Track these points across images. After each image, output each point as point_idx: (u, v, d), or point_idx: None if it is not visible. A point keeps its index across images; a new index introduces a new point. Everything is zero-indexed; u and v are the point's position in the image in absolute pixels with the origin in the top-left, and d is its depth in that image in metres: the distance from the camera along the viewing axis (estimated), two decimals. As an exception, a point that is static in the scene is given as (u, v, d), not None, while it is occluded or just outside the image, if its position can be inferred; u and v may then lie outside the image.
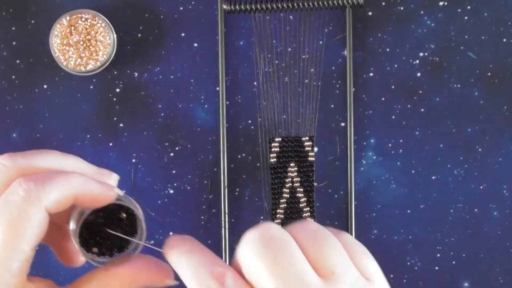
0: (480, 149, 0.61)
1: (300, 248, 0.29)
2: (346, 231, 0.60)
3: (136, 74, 0.61)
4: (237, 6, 0.58)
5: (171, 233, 0.61)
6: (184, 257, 0.31)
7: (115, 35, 0.59)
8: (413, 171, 0.61)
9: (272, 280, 0.28)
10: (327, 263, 0.29)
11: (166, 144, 0.61)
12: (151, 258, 0.36)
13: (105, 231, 0.35)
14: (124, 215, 0.35)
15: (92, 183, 0.33)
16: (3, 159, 0.33)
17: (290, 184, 0.59)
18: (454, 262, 0.61)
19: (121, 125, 0.61)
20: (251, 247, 0.29)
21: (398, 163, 0.61)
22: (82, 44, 0.58)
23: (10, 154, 0.33)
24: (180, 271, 0.31)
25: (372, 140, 0.61)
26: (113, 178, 0.36)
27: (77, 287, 0.33)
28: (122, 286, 0.34)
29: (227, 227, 0.60)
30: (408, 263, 0.61)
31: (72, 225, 0.34)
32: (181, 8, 0.61)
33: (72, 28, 0.58)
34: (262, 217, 0.61)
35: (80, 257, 0.37)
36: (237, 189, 0.61)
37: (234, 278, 0.29)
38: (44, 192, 0.31)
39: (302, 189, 0.59)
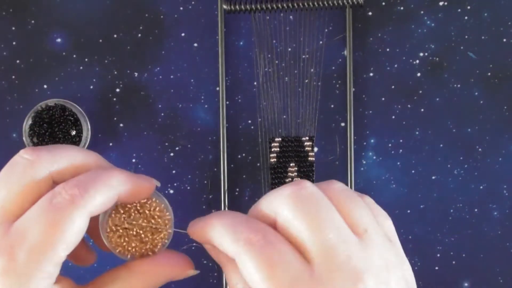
0: (480, 149, 0.61)
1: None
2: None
3: (136, 74, 0.61)
4: (237, 6, 0.58)
5: (171, 233, 0.61)
6: (216, 219, 0.31)
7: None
8: (413, 171, 0.61)
9: (314, 236, 0.28)
10: (360, 221, 0.30)
11: (166, 144, 0.61)
12: (170, 252, 0.36)
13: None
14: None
15: (131, 179, 0.33)
16: (26, 153, 0.33)
17: (290, 184, 0.59)
18: (454, 262, 0.61)
19: (121, 125, 0.61)
20: (291, 204, 0.29)
21: (398, 163, 0.61)
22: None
23: (34, 148, 0.33)
24: (213, 234, 0.31)
25: (372, 140, 0.61)
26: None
27: (99, 286, 0.33)
28: (146, 283, 0.34)
29: (227, 227, 0.60)
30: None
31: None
32: (181, 8, 0.61)
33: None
34: (262, 217, 0.61)
35: (90, 257, 0.37)
36: (237, 189, 0.61)
37: (274, 232, 0.29)
38: (89, 197, 0.31)
39: (302, 189, 0.59)
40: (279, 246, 0.29)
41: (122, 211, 0.34)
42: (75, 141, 0.41)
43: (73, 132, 0.39)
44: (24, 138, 0.37)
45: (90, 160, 0.34)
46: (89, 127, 0.38)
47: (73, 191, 0.30)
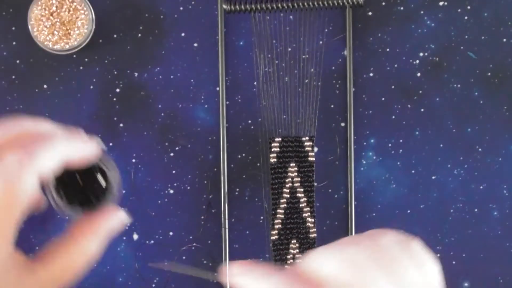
0: (480, 149, 0.61)
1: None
2: (346, 231, 0.60)
3: (136, 74, 0.61)
4: (237, 6, 0.58)
5: (171, 233, 0.61)
6: (269, 278, 0.31)
7: (93, 27, 0.58)
8: (413, 171, 0.61)
9: None
10: (409, 277, 0.32)
11: (166, 144, 0.61)
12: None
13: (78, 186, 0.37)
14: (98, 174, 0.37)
15: (77, 145, 0.36)
16: None
17: (290, 184, 0.59)
18: (454, 262, 0.61)
19: (121, 125, 0.61)
20: (340, 268, 0.31)
21: (398, 163, 0.61)
22: (59, 24, 0.57)
23: None
24: None
25: (372, 140, 0.61)
26: (82, 133, 0.39)
27: (46, 256, 0.34)
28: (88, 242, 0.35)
29: (227, 227, 0.60)
30: (408, 263, 0.61)
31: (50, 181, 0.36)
32: (181, 8, 0.61)
33: (57, 4, 0.58)
34: (262, 217, 0.61)
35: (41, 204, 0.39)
36: (237, 189, 0.61)
37: None
38: (36, 160, 0.33)
39: (302, 189, 0.59)
40: None
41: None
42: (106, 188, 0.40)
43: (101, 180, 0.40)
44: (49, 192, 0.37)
45: (39, 127, 0.37)
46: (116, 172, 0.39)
47: (21, 156, 0.33)
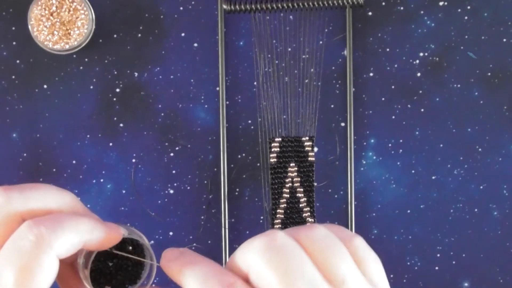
0: (480, 149, 0.61)
1: (309, 256, 0.29)
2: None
3: (136, 74, 0.61)
4: (237, 6, 0.58)
5: (171, 233, 0.61)
6: (189, 268, 0.30)
7: (93, 27, 0.58)
8: (413, 171, 0.61)
9: None
10: (337, 271, 0.29)
11: (166, 144, 0.61)
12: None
13: (113, 267, 0.34)
14: (131, 247, 0.35)
15: (99, 227, 0.32)
16: None
17: (290, 184, 0.59)
18: (454, 262, 0.61)
19: (121, 125, 0.61)
20: (261, 256, 0.29)
21: (398, 163, 0.61)
22: (59, 24, 0.57)
23: (5, 188, 0.32)
24: (184, 282, 0.30)
25: (372, 140, 0.61)
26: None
27: None
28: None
29: (227, 227, 0.60)
30: (408, 263, 0.61)
31: (81, 264, 0.34)
32: (181, 8, 0.61)
33: (57, 4, 0.58)
34: (262, 217, 0.61)
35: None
36: (237, 189, 0.61)
37: (245, 286, 0.29)
38: (56, 237, 0.30)
39: (302, 189, 0.59)
40: None
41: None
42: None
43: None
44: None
45: (63, 202, 0.33)
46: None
47: (39, 230, 0.29)
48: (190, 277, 0.30)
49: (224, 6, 0.58)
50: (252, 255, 0.29)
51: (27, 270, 0.29)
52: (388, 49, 0.61)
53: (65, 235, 0.30)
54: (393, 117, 0.61)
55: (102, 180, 0.61)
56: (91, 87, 0.61)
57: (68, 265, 0.35)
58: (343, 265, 0.29)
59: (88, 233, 0.31)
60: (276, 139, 0.59)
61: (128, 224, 0.36)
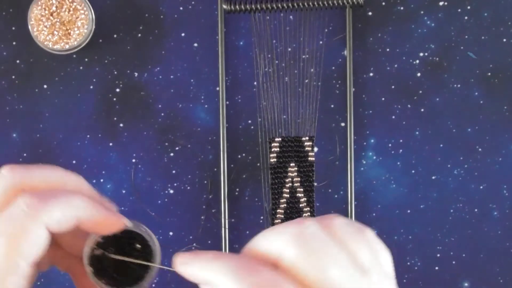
0: (480, 149, 0.61)
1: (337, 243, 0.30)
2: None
3: (136, 74, 0.61)
4: (237, 6, 0.58)
5: (171, 233, 0.61)
6: (214, 264, 0.30)
7: (93, 27, 0.58)
8: (413, 171, 0.61)
9: (322, 275, 0.28)
10: (363, 260, 0.30)
11: (166, 144, 0.61)
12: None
13: (121, 263, 0.34)
14: (139, 245, 0.35)
15: (96, 207, 0.32)
16: (3, 169, 0.32)
17: (290, 184, 0.59)
18: (454, 262, 0.61)
19: (121, 125, 0.61)
20: (296, 244, 0.29)
21: (398, 163, 0.61)
22: (59, 24, 0.57)
23: (12, 166, 0.33)
24: (213, 279, 0.30)
25: (372, 140, 0.61)
26: (113, 207, 0.35)
27: None
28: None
29: (227, 227, 0.60)
30: (408, 263, 0.61)
31: (85, 254, 0.34)
32: (181, 8, 0.61)
33: (57, 4, 0.58)
34: (262, 217, 0.61)
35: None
36: (237, 189, 0.61)
37: (280, 275, 0.29)
38: (46, 209, 0.30)
39: (302, 189, 0.59)
40: None
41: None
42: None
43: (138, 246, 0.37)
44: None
45: (67, 181, 0.34)
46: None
47: (32, 201, 0.30)
48: (219, 272, 0.30)
49: (224, 6, 0.58)
50: (284, 242, 0.29)
51: (15, 238, 0.30)
52: (388, 49, 0.61)
53: (55, 207, 0.31)
54: (393, 117, 0.61)
55: (102, 180, 0.61)
56: (91, 87, 0.61)
57: (80, 261, 0.35)
58: (368, 255, 0.31)
59: (82, 210, 0.32)
60: (276, 139, 0.59)
61: (145, 228, 0.35)
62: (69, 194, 0.32)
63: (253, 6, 0.58)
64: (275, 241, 0.30)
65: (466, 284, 0.62)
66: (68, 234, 0.33)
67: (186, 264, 0.32)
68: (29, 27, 0.58)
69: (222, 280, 0.29)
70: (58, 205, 0.31)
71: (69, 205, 0.31)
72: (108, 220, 0.33)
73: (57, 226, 0.31)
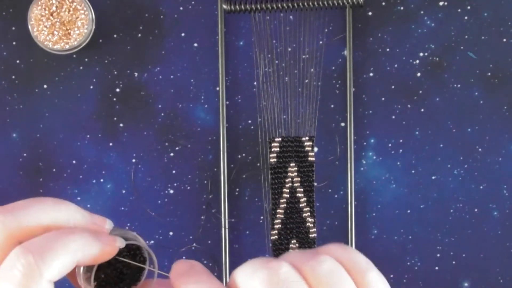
0: (480, 149, 0.61)
1: None
2: (346, 231, 0.60)
3: (136, 74, 0.61)
4: (237, 6, 0.58)
5: (171, 233, 0.61)
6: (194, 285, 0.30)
7: (93, 27, 0.58)
8: (413, 171, 0.61)
9: None
10: None
11: (166, 144, 0.61)
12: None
13: (113, 273, 0.34)
14: (128, 252, 0.34)
15: (92, 243, 0.31)
16: None
17: (290, 184, 0.59)
18: (454, 262, 0.61)
19: (121, 125, 0.61)
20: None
21: (398, 163, 0.61)
22: (59, 24, 0.57)
23: (1, 211, 0.31)
24: None
25: (372, 140, 0.61)
26: (108, 224, 0.34)
27: None
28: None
29: (227, 227, 0.60)
30: (408, 263, 0.61)
31: (81, 275, 0.33)
32: (181, 8, 0.61)
33: (57, 4, 0.58)
34: (262, 217, 0.61)
35: None
36: (237, 189, 0.61)
37: None
38: (45, 264, 0.29)
39: (302, 189, 0.59)
40: None
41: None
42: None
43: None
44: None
45: (59, 216, 0.32)
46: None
47: (27, 259, 0.29)
48: None
49: (224, 6, 0.58)
50: (255, 284, 0.29)
51: None
52: (388, 49, 0.61)
53: (54, 260, 0.29)
54: (393, 117, 0.61)
55: (102, 180, 0.61)
56: (91, 87, 0.61)
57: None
58: None
59: (80, 252, 0.31)
60: (276, 139, 0.59)
61: (127, 228, 0.35)
62: (65, 239, 0.30)
63: (253, 6, 0.58)
64: (249, 280, 0.29)
65: (466, 284, 0.62)
66: None
67: (176, 276, 0.31)
68: (29, 27, 0.58)
69: None
70: (56, 256, 0.29)
71: (66, 253, 0.30)
72: (103, 252, 0.32)
73: (59, 276, 0.30)
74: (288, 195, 0.59)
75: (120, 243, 0.33)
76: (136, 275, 0.35)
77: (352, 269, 0.29)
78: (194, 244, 0.61)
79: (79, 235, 0.31)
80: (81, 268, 0.33)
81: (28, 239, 0.31)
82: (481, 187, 0.61)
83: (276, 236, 0.59)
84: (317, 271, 0.29)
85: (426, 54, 0.61)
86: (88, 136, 0.61)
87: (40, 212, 0.32)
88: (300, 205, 0.59)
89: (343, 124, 0.61)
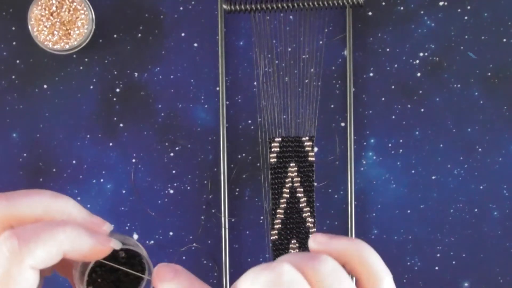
0: (480, 149, 0.61)
1: None
2: (346, 231, 0.60)
3: (136, 74, 0.61)
4: (237, 6, 0.58)
5: (171, 233, 0.61)
6: None
7: (93, 27, 0.58)
8: (413, 171, 0.61)
9: None
10: None
11: (166, 144, 0.61)
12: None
13: (111, 280, 0.34)
14: (124, 254, 0.34)
15: (83, 238, 0.31)
16: None
17: (290, 184, 0.59)
18: (454, 262, 0.61)
19: (121, 125, 0.61)
20: None
21: (398, 163, 0.61)
22: (59, 24, 0.57)
23: None
24: None
25: (372, 140, 0.61)
26: (106, 226, 0.34)
27: None
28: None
29: (227, 227, 0.60)
30: (408, 263, 0.61)
31: (77, 278, 0.33)
32: (181, 8, 0.61)
33: (57, 4, 0.58)
34: (262, 217, 0.61)
35: None
36: (237, 189, 0.61)
37: None
38: (28, 250, 0.29)
39: (302, 189, 0.59)
40: None
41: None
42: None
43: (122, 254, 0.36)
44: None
45: (54, 208, 0.32)
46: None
47: (12, 244, 0.29)
48: None
49: (224, 6, 0.58)
50: (258, 287, 0.29)
51: (4, 285, 0.29)
52: (388, 49, 0.61)
53: (39, 247, 0.30)
54: (393, 117, 0.61)
55: (102, 180, 0.61)
56: (91, 87, 0.61)
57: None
58: None
59: (68, 244, 0.31)
60: (276, 139, 0.59)
61: (127, 227, 0.35)
62: (54, 228, 0.30)
63: (253, 6, 0.58)
64: (251, 286, 0.29)
65: (466, 284, 0.62)
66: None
67: (159, 282, 0.31)
68: (29, 27, 0.58)
69: None
70: (41, 244, 0.30)
71: (53, 242, 0.30)
72: (94, 249, 0.32)
73: (43, 264, 0.30)
74: (288, 195, 0.59)
75: (115, 245, 0.32)
76: (134, 284, 0.35)
77: (366, 272, 0.31)
78: (194, 244, 0.61)
79: (70, 227, 0.31)
80: (77, 268, 0.33)
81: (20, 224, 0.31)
82: (481, 187, 0.61)
83: (276, 236, 0.59)
84: (318, 271, 0.29)
85: (426, 54, 0.61)
86: (88, 136, 0.61)
87: (36, 202, 0.32)
88: (300, 205, 0.59)
89: (343, 124, 0.61)
